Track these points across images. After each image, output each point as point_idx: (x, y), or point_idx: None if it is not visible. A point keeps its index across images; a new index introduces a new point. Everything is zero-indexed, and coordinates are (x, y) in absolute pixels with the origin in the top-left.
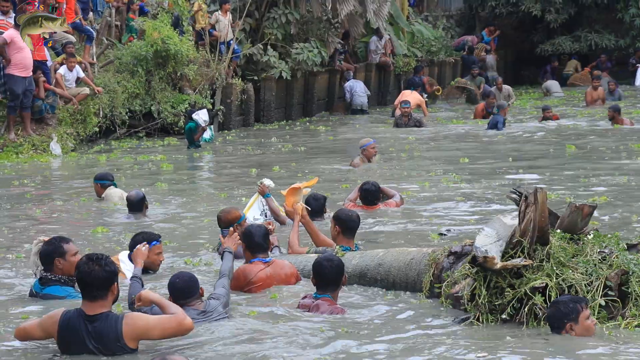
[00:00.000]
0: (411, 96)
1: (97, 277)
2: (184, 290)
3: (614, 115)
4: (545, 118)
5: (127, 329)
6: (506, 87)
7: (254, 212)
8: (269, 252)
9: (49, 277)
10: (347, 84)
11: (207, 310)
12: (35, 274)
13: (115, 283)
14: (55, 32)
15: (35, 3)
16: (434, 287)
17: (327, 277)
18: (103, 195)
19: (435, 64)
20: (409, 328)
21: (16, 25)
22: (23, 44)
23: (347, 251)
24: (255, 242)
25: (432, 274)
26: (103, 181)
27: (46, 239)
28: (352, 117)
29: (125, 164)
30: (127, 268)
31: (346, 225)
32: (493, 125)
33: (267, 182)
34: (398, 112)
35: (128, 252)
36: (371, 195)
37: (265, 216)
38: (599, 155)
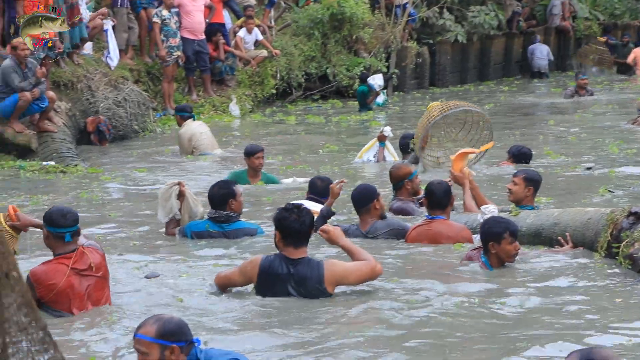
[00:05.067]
0: None
1: (302, 226)
2: (358, 201)
3: None
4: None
5: (328, 273)
6: None
7: (368, 155)
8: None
9: (230, 215)
10: (530, 47)
11: (370, 230)
12: (166, 223)
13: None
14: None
15: None
16: (611, 247)
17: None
18: (181, 127)
19: (619, 27)
20: (583, 286)
21: None
22: (192, 8)
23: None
24: (433, 200)
25: (609, 233)
26: (182, 113)
27: (177, 182)
28: (531, 81)
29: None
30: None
31: (538, 186)
32: None
33: (387, 131)
34: None
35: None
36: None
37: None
38: None
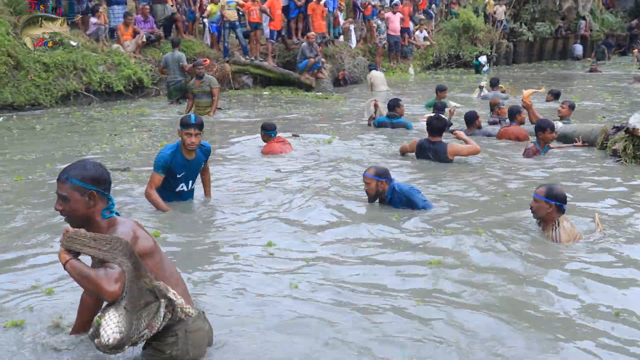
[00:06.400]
0: None
1: (439, 125)
2: (468, 120)
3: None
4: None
5: (449, 149)
6: None
7: (476, 94)
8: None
9: (396, 114)
10: (573, 45)
11: (472, 134)
12: (368, 119)
13: (445, 128)
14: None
15: None
16: (603, 144)
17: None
18: (369, 73)
19: (614, 36)
20: (588, 162)
21: None
22: (393, 19)
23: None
24: (510, 115)
25: (602, 137)
26: (370, 67)
27: (374, 99)
28: (572, 62)
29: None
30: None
31: (573, 109)
32: None
33: (484, 84)
34: None
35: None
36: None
37: None
38: None
